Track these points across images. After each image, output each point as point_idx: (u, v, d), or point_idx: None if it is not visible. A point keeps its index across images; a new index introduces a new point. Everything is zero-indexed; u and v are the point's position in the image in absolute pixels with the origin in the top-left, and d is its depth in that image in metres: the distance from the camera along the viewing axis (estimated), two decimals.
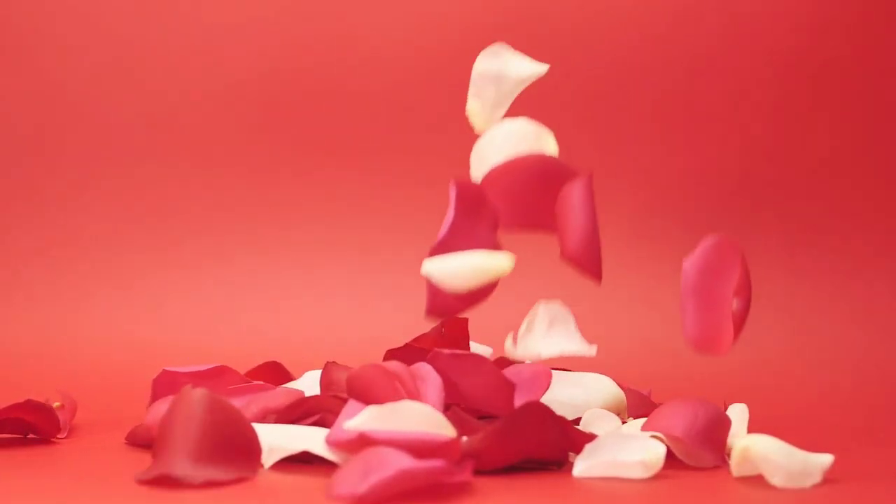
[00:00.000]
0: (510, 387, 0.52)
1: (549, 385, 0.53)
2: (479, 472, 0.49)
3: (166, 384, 0.58)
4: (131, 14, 0.92)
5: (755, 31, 0.90)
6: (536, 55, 0.91)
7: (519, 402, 0.52)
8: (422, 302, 0.87)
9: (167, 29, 0.92)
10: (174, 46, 0.92)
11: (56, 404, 0.59)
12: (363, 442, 0.47)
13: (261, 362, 0.65)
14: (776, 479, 0.48)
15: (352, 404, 0.50)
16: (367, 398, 0.50)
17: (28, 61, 0.92)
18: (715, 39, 0.90)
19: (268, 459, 0.50)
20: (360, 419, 0.47)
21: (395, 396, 0.50)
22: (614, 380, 0.60)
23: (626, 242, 0.89)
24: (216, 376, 0.58)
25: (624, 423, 0.56)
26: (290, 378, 0.64)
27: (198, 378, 0.57)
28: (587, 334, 0.58)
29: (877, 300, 0.86)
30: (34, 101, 0.91)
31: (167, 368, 0.58)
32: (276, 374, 0.64)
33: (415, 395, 0.50)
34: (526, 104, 0.91)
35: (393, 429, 0.47)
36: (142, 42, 0.92)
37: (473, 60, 0.91)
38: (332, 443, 0.49)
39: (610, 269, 0.89)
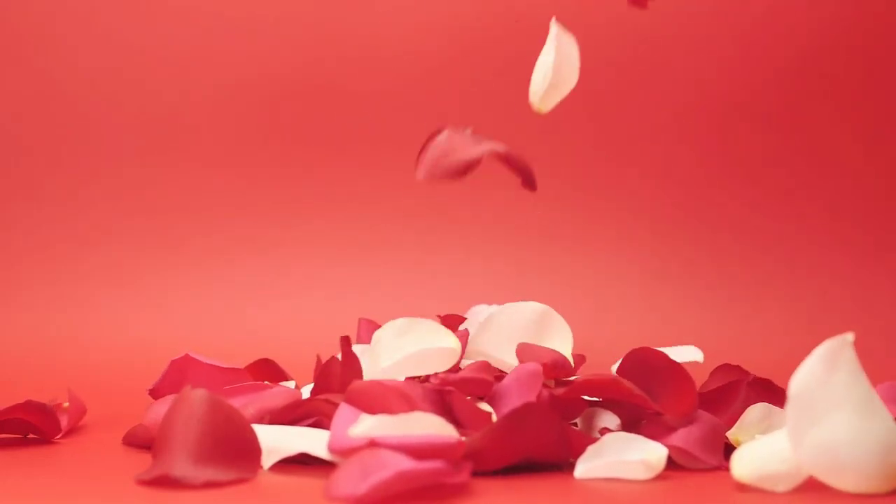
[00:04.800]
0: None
1: (541, 384, 0.53)
2: (479, 472, 0.49)
3: (181, 369, 0.58)
4: (132, 13, 0.92)
5: (759, 33, 0.90)
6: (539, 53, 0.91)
7: (516, 402, 0.52)
8: (423, 300, 0.87)
9: (168, 28, 0.92)
10: (175, 45, 0.92)
11: (65, 404, 0.59)
12: (367, 446, 0.47)
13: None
14: (780, 488, 0.48)
15: (344, 408, 0.50)
16: (372, 410, 0.50)
17: (28, 61, 0.92)
18: (719, 40, 0.90)
19: (267, 460, 0.50)
20: (366, 426, 0.47)
21: (401, 410, 0.50)
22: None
23: (627, 242, 0.89)
24: (234, 377, 0.58)
25: None
26: (283, 375, 0.64)
27: (216, 373, 0.57)
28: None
29: (878, 300, 0.86)
30: (34, 101, 0.91)
31: (190, 354, 0.58)
32: (269, 371, 0.64)
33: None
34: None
35: (398, 434, 0.47)
36: (142, 41, 0.92)
37: (474, 58, 0.91)
38: (335, 450, 0.49)
39: (610, 268, 0.89)
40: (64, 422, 0.58)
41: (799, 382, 0.46)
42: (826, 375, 0.46)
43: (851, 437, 0.46)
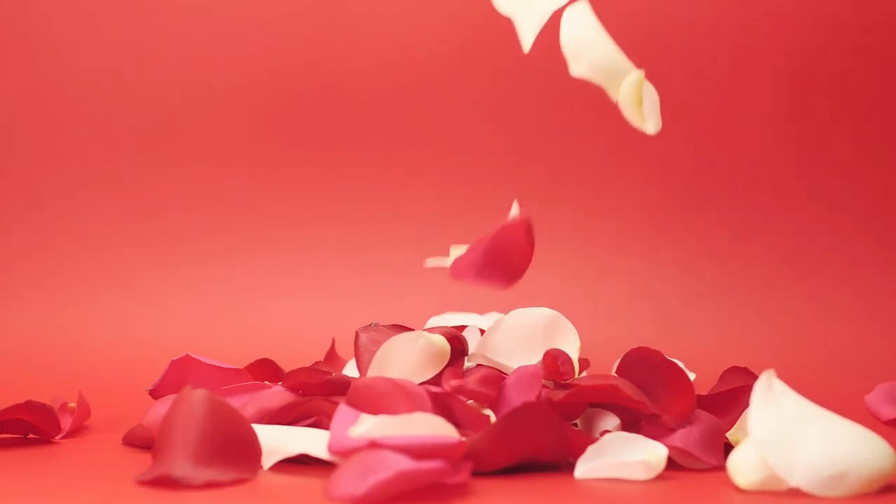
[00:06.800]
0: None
1: (540, 384, 0.52)
2: (479, 472, 0.49)
3: (182, 369, 0.58)
4: (132, 13, 0.92)
5: (760, 33, 0.90)
6: (541, 54, 0.91)
7: (514, 402, 0.52)
8: (422, 301, 0.87)
9: (168, 28, 0.92)
10: (175, 46, 0.92)
11: (72, 405, 0.59)
12: (367, 447, 0.47)
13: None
14: (785, 484, 0.48)
15: (342, 409, 0.50)
16: (373, 409, 0.50)
17: (28, 61, 0.92)
18: (719, 40, 0.90)
19: (267, 460, 0.50)
20: (366, 426, 0.47)
21: (402, 410, 0.50)
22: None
23: (627, 242, 0.89)
24: (234, 377, 0.58)
25: None
26: (283, 375, 0.64)
27: (216, 373, 0.57)
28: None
29: (878, 300, 0.86)
30: (34, 101, 0.91)
31: (190, 354, 0.58)
32: (269, 371, 0.64)
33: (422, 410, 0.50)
34: (535, 98, 0.91)
35: (398, 435, 0.47)
36: (142, 41, 0.92)
37: (477, 60, 0.91)
38: (335, 451, 0.48)
39: (609, 268, 0.89)
40: (67, 422, 0.58)
41: (756, 422, 0.47)
42: (775, 406, 0.47)
43: (835, 442, 0.47)
